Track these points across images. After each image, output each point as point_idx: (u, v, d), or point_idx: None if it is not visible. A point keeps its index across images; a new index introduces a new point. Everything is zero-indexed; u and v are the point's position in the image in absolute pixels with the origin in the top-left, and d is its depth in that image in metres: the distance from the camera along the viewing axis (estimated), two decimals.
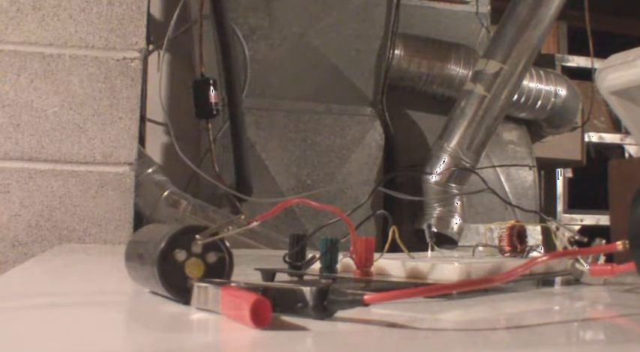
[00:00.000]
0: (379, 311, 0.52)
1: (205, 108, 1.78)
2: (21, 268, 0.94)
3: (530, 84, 2.20)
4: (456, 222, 1.96)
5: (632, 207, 0.55)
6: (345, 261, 0.66)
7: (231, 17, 1.81)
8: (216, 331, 0.47)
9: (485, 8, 2.29)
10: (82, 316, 0.52)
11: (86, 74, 1.34)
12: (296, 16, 1.96)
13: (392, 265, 0.65)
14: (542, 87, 2.22)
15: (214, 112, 1.78)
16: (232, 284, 0.49)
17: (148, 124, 1.93)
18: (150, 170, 1.64)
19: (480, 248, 0.83)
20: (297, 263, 0.66)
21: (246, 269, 0.69)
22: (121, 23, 1.36)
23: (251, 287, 0.48)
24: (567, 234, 0.73)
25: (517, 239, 0.77)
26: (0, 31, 1.32)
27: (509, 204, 2.05)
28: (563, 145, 2.52)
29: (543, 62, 2.52)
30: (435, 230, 1.89)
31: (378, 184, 1.88)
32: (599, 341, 0.48)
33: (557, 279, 0.77)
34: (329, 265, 0.65)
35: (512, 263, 0.64)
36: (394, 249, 0.68)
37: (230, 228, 0.55)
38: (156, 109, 1.88)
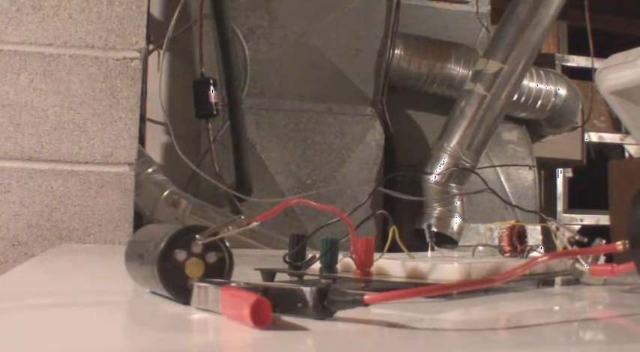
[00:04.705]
0: (379, 311, 0.52)
1: (205, 108, 1.78)
2: (21, 268, 0.94)
3: (530, 84, 2.20)
4: (456, 222, 1.96)
5: (632, 207, 0.55)
6: (345, 261, 0.66)
7: (231, 17, 1.81)
8: (216, 331, 0.47)
9: (486, 8, 2.29)
10: (82, 316, 0.52)
11: (86, 74, 1.34)
12: (296, 16, 1.96)
13: (392, 265, 0.65)
14: (542, 87, 2.22)
15: (214, 112, 1.78)
16: (232, 284, 0.49)
17: (148, 124, 1.93)
18: (150, 170, 1.65)
19: (480, 248, 0.83)
20: (297, 263, 0.66)
21: (246, 269, 0.69)
22: (121, 23, 1.36)
23: (251, 287, 0.48)
24: (567, 234, 0.73)
25: (517, 239, 0.77)
26: (0, 31, 1.32)
27: (509, 204, 2.05)
28: (563, 145, 2.51)
29: (543, 62, 2.52)
30: (435, 230, 1.89)
31: (378, 184, 1.88)
32: (599, 341, 0.48)
33: (557, 279, 0.77)
34: (329, 265, 0.65)
35: (512, 263, 0.64)
36: (394, 249, 0.68)
37: (230, 228, 0.55)
38: (156, 109, 1.88)
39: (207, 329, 0.48)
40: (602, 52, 1.44)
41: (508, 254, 0.77)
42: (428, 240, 0.76)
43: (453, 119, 1.95)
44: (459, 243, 1.96)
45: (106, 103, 1.34)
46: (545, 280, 0.75)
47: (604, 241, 0.68)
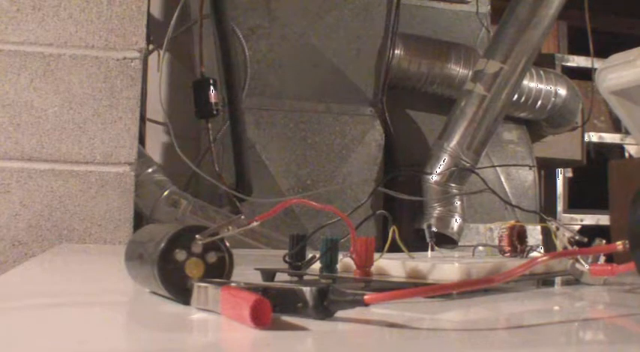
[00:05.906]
0: (379, 311, 0.52)
1: (205, 108, 1.78)
2: (21, 268, 0.94)
3: (530, 84, 2.20)
4: (456, 222, 1.96)
5: (632, 207, 0.55)
6: (345, 261, 0.66)
7: (231, 17, 1.81)
8: (216, 331, 0.47)
9: (485, 8, 2.29)
10: (82, 316, 0.52)
11: (86, 74, 1.34)
12: (296, 16, 1.96)
13: (392, 265, 0.65)
14: (542, 87, 2.22)
15: (214, 112, 1.78)
16: (232, 284, 0.49)
17: (148, 124, 1.93)
18: (150, 170, 1.64)
19: (480, 248, 0.83)
20: (297, 263, 0.66)
21: (246, 269, 0.69)
22: (121, 23, 1.36)
23: (251, 287, 0.48)
24: (567, 234, 0.73)
25: (517, 239, 0.77)
26: (0, 31, 1.32)
27: (509, 204, 2.05)
28: (563, 145, 2.52)
29: (543, 62, 2.52)
30: (435, 230, 1.89)
31: (378, 184, 1.88)
32: (599, 341, 0.48)
33: (557, 279, 0.77)
34: (329, 265, 0.65)
35: (512, 263, 0.64)
36: (394, 249, 0.68)
37: (230, 228, 0.55)
38: (156, 109, 1.88)
39: (207, 329, 0.48)
40: (603, 52, 1.44)
41: (508, 254, 0.77)
42: (428, 240, 0.76)
43: (453, 119, 1.95)
44: (459, 243, 1.96)
45: (106, 103, 1.34)
46: (545, 280, 0.75)
47: (604, 241, 0.68)
